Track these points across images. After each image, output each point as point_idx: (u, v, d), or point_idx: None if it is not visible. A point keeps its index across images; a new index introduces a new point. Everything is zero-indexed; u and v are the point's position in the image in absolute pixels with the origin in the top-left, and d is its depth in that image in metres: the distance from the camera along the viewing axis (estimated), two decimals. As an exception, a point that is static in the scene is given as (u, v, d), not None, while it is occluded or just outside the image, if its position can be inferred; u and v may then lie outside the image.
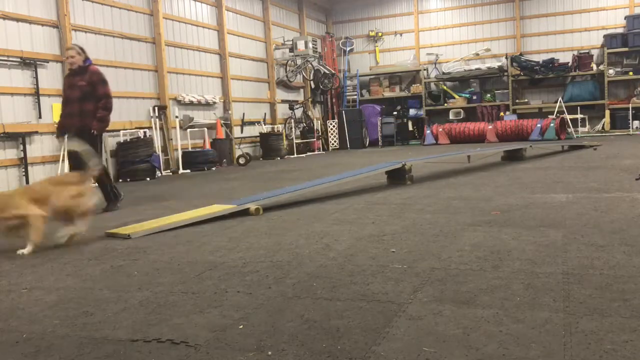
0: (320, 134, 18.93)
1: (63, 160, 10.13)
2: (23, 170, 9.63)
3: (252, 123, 16.24)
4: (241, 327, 2.70)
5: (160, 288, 3.44)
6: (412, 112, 19.83)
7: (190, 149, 13.46)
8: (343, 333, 2.54)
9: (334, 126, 19.48)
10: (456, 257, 3.76)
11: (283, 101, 17.98)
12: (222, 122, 14.69)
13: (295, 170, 11.60)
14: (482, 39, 19.79)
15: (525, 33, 19.31)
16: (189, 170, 12.85)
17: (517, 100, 18.80)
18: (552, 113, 17.51)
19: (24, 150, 9.59)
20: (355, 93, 20.64)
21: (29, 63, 9.82)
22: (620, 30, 17.95)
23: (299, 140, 17.43)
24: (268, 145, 16.05)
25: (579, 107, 17.71)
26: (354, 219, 5.41)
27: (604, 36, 17.98)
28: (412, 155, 13.24)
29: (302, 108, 18.34)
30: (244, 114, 15.73)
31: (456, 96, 19.44)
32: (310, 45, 17.72)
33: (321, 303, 2.98)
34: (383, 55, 21.20)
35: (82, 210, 4.96)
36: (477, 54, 19.70)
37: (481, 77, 19.19)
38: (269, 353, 2.38)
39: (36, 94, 9.91)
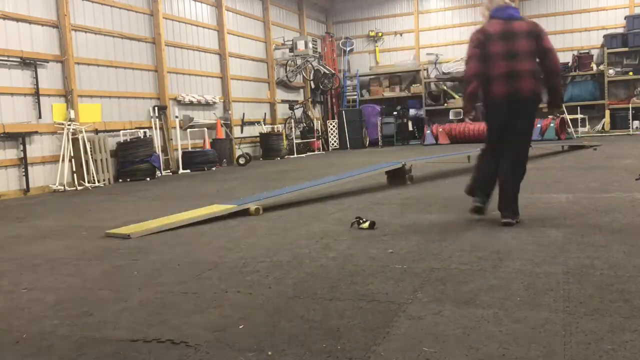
0: (320, 134, 18.92)
1: (63, 160, 10.14)
2: (23, 170, 9.63)
3: (252, 123, 16.23)
4: (241, 327, 2.70)
5: (160, 288, 3.44)
6: (412, 112, 19.81)
7: (190, 149, 13.45)
8: (343, 333, 2.54)
9: (334, 126, 19.47)
10: (456, 257, 3.76)
11: (283, 101, 17.98)
12: (222, 122, 14.69)
13: (295, 170, 11.60)
14: (482, 39, 19.75)
15: (525, 33, 19.27)
16: (189, 170, 12.84)
17: (517, 100, 18.76)
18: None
19: (24, 150, 9.59)
20: (355, 93, 20.63)
21: (29, 63, 9.82)
22: (620, 30, 17.94)
23: (299, 140, 17.42)
24: (268, 145, 16.04)
25: (579, 107, 17.70)
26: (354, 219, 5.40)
27: (604, 36, 17.97)
28: (412, 155, 13.23)
29: (302, 108, 18.34)
30: (244, 114, 15.73)
31: (456, 96, 19.42)
32: (310, 45, 17.71)
33: (321, 303, 2.98)
34: (383, 55, 21.19)
35: None
36: (477, 54, 19.66)
37: (481, 77, 19.15)
38: (269, 353, 2.38)
39: (36, 94, 9.90)
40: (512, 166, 4.92)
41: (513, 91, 4.71)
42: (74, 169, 10.46)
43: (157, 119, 12.66)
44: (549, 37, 4.86)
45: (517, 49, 4.70)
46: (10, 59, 9.55)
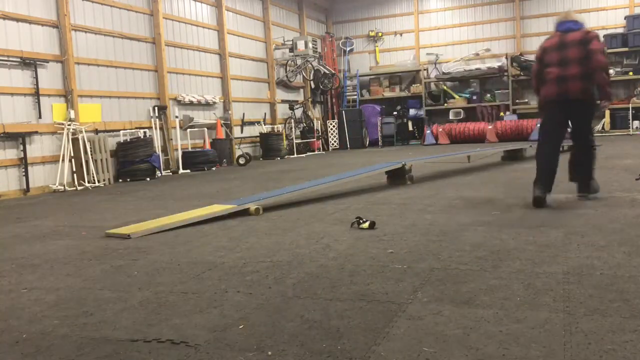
0: (320, 134, 18.93)
1: (63, 160, 10.15)
2: (23, 170, 9.63)
3: (252, 123, 16.24)
4: (241, 327, 2.70)
5: (160, 288, 3.44)
6: (412, 112, 19.83)
7: (190, 149, 13.45)
8: (343, 333, 2.54)
9: (334, 126, 19.48)
10: (456, 257, 3.76)
11: (283, 101, 17.98)
12: (222, 122, 14.69)
13: (295, 170, 11.60)
14: (482, 39, 19.78)
15: (525, 33, 19.31)
16: (189, 170, 12.84)
17: (517, 100, 18.79)
18: (552, 113, 17.48)
19: (24, 150, 9.59)
20: (355, 93, 20.64)
21: (29, 63, 9.82)
22: (620, 30, 17.94)
23: (299, 140, 17.43)
24: (268, 145, 16.05)
25: (579, 107, 17.68)
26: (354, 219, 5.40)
27: (604, 36, 17.93)
28: (412, 155, 13.24)
29: (302, 108, 18.34)
30: (244, 114, 15.73)
31: (456, 96, 19.44)
32: (310, 45, 17.71)
33: (321, 303, 2.98)
34: (383, 55, 21.19)
35: None
36: (477, 54, 19.69)
37: (481, 77, 19.18)
38: (269, 353, 2.38)
39: (36, 94, 9.90)
40: (583, 153, 5.78)
41: (563, 92, 5.52)
42: (74, 169, 10.46)
43: (157, 119, 12.66)
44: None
45: (568, 56, 5.53)
46: (10, 59, 9.56)
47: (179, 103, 13.49)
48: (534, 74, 5.93)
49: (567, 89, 5.48)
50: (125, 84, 12.05)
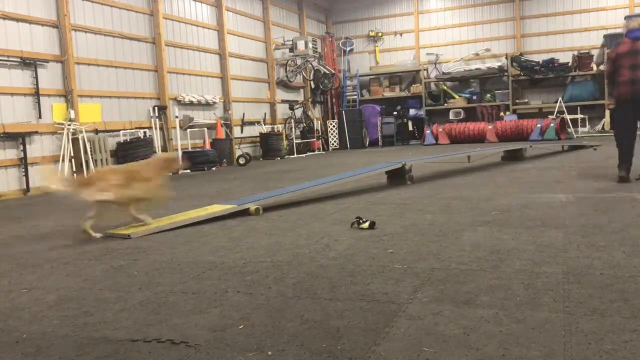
0: (320, 134, 18.92)
1: (63, 160, 10.15)
2: (23, 170, 9.63)
3: (252, 123, 16.24)
4: (241, 327, 2.70)
5: (160, 288, 3.44)
6: (412, 112, 19.83)
7: (190, 149, 13.45)
8: (343, 333, 2.54)
9: (334, 126, 19.48)
10: (456, 257, 3.76)
11: (283, 101, 17.98)
12: (222, 122, 14.69)
13: (295, 170, 11.60)
14: (482, 39, 19.78)
15: (525, 33, 19.31)
16: (188, 170, 12.84)
17: (517, 100, 18.78)
18: (552, 113, 17.50)
19: (24, 150, 9.59)
20: (355, 93, 20.64)
21: (29, 63, 9.82)
22: (620, 30, 17.92)
23: (299, 140, 17.42)
24: (268, 145, 16.04)
25: (579, 107, 17.70)
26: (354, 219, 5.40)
27: (604, 36, 17.95)
28: (412, 155, 13.24)
29: (302, 108, 18.34)
30: (244, 114, 15.73)
31: (456, 96, 19.44)
32: (310, 45, 17.71)
33: (321, 303, 2.98)
34: (383, 55, 21.19)
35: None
36: (477, 54, 19.69)
37: (481, 77, 19.18)
38: (269, 353, 2.38)
39: (36, 94, 9.91)
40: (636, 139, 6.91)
41: (634, 92, 6.69)
42: (74, 169, 10.46)
43: (157, 119, 12.66)
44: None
45: (639, 62, 6.68)
46: (10, 59, 9.56)
47: (179, 103, 13.49)
48: (607, 74, 7.19)
49: (638, 90, 6.66)
50: (125, 84, 12.05)
